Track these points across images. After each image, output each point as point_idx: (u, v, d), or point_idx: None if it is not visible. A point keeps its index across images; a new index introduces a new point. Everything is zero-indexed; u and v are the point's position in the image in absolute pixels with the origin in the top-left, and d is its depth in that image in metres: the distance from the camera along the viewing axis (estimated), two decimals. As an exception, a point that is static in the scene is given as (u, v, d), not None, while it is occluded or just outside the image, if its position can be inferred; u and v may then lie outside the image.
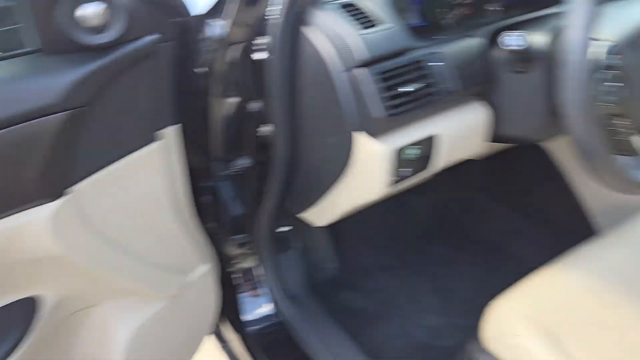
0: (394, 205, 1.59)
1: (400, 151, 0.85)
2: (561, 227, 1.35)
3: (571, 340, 0.82)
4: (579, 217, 1.33)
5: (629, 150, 0.80)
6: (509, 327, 0.84)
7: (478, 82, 0.89)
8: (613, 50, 0.72)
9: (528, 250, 1.48)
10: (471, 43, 0.90)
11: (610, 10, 0.80)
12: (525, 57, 0.83)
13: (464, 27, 0.96)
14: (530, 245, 1.50)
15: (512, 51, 0.82)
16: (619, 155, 0.82)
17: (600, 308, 0.87)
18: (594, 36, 0.75)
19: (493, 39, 0.89)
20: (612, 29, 0.75)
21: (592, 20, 0.67)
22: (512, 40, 0.79)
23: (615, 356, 0.80)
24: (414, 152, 0.87)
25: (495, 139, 0.97)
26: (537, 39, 0.86)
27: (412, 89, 0.80)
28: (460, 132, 0.92)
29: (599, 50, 0.73)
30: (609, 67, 0.71)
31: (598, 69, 0.72)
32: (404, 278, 1.48)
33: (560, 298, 0.87)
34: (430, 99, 0.84)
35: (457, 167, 1.05)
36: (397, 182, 0.90)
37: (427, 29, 0.97)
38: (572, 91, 0.68)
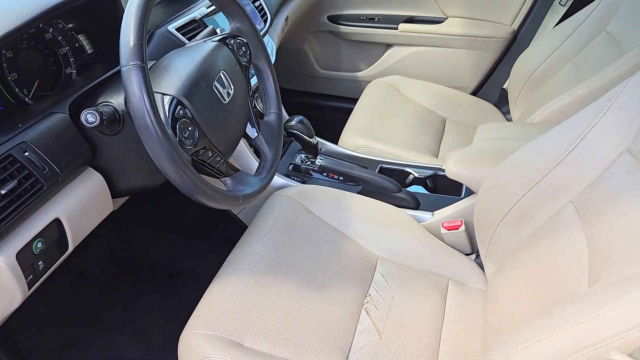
0: (63, 273, 1.51)
1: (24, 250, 0.82)
2: (220, 235, 1.51)
3: (249, 338, 0.96)
4: (232, 221, 1.51)
5: (226, 172, 0.95)
6: (199, 354, 0.93)
7: (79, 153, 0.91)
8: (173, 103, 0.83)
9: (200, 261, 1.62)
10: (56, 119, 0.90)
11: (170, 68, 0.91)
12: (111, 121, 0.88)
13: (45, 103, 0.96)
14: (199, 257, 1.64)
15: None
16: (223, 177, 0.97)
17: (262, 296, 1.03)
18: (163, 92, 0.85)
19: (74, 112, 0.91)
20: (170, 84, 0.86)
21: (147, 88, 0.76)
22: (89, 117, 0.83)
23: (282, 329, 0.98)
24: (40, 245, 0.85)
25: (121, 194, 1.02)
26: (119, 100, 0.93)
27: (4, 192, 0.77)
28: (82, 203, 0.93)
29: (165, 105, 0.83)
30: (176, 118, 0.82)
31: (173, 121, 0.82)
32: (99, 340, 1.44)
33: (230, 304, 1.00)
34: (32, 191, 0.82)
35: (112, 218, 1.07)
36: (36, 278, 0.87)
37: (4, 115, 0.93)
38: (151, 150, 0.77)
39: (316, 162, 1.42)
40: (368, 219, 1.27)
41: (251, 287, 1.04)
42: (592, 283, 0.79)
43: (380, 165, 1.51)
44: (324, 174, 1.43)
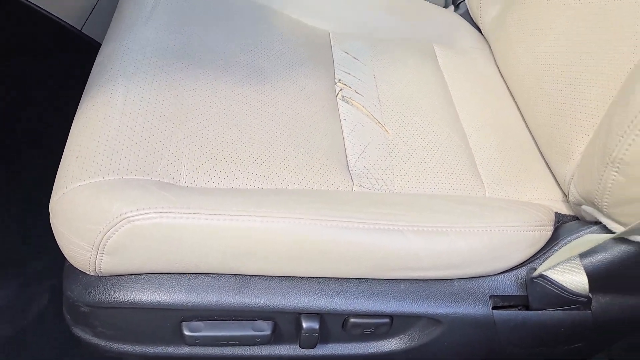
0: None
1: None
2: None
3: (187, 173, 0.52)
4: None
5: None
6: (103, 215, 0.48)
7: None
8: None
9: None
10: None
11: None
12: None
13: None
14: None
15: None
16: None
17: (181, 105, 0.57)
18: None
19: None
20: None
21: None
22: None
23: (232, 150, 0.55)
24: None
25: None
26: None
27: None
28: None
29: None
30: None
31: None
32: None
33: (127, 128, 0.54)
34: None
35: None
36: None
37: None
38: None
39: None
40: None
41: (159, 95, 0.57)
42: None
43: None
44: None
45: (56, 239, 0.49)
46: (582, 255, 0.54)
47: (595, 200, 0.51)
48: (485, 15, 0.82)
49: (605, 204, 0.50)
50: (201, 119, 0.57)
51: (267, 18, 0.77)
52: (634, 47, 0.55)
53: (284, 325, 0.53)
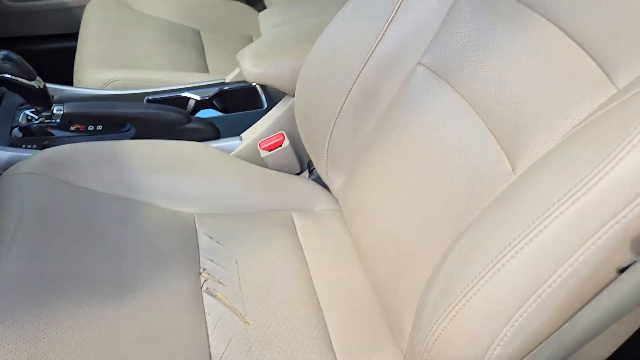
0: None
1: None
2: None
3: None
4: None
5: None
6: None
7: None
8: None
9: None
10: None
11: None
12: None
13: None
14: None
15: None
16: None
17: (49, 345, 0.61)
18: None
19: None
20: None
21: None
22: None
23: None
24: None
25: None
26: None
27: None
28: None
29: None
30: None
31: None
32: None
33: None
34: None
35: None
36: None
37: None
38: None
39: (55, 112, 0.95)
40: (163, 169, 0.90)
41: (22, 336, 0.60)
42: (514, 158, 0.60)
43: (145, 98, 1.11)
44: (73, 127, 0.98)
45: None
46: None
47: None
48: (332, 184, 0.92)
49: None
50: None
51: (133, 213, 0.83)
52: (444, 236, 0.65)
53: None
